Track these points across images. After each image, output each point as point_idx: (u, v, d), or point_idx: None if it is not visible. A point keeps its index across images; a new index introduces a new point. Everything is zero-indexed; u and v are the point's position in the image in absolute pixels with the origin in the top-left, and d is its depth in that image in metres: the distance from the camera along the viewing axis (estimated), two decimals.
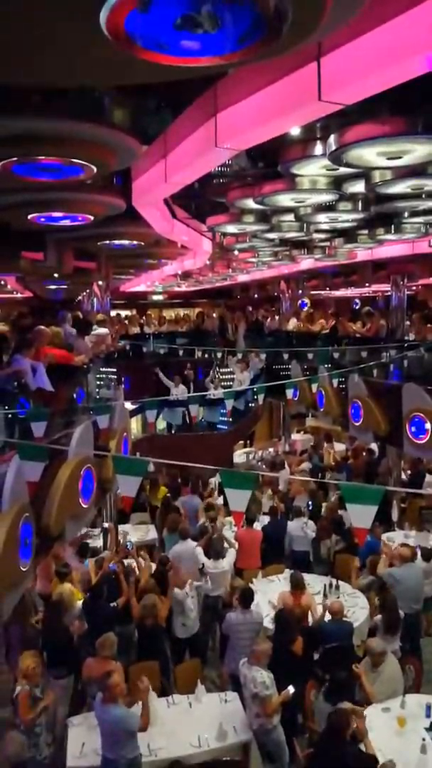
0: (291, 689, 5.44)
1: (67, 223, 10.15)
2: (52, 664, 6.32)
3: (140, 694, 5.11)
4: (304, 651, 6.17)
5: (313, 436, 17.11)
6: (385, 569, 7.26)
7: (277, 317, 18.89)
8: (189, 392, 13.53)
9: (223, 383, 14.93)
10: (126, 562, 7.64)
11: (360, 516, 4.11)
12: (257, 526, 9.27)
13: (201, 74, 4.71)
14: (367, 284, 22.08)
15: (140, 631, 6.58)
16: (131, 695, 5.21)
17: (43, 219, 9.79)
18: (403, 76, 4.19)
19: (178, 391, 13.89)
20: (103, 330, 10.97)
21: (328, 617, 6.57)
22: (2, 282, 18.89)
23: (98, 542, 9.37)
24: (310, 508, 10.32)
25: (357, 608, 7.41)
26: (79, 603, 6.92)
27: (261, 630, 6.55)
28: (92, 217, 9.82)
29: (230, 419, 13.89)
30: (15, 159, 6.63)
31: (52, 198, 8.87)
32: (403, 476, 12.19)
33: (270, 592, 7.69)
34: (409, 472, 12.40)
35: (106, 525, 9.31)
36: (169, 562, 7.61)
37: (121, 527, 9.99)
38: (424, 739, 5.05)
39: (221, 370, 15.80)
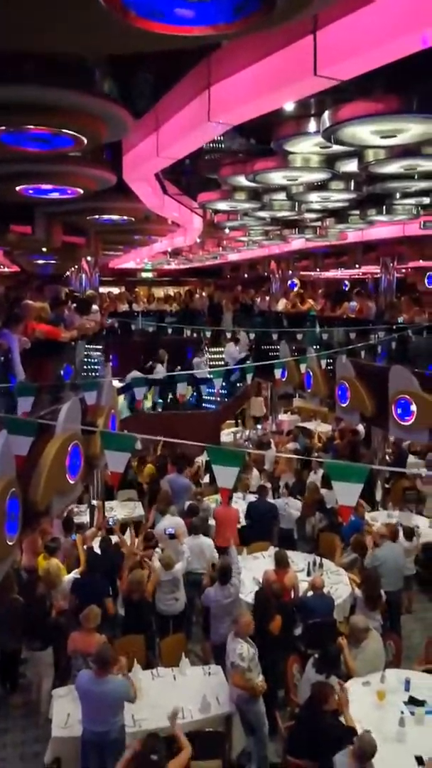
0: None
1: (56, 196, 9.99)
2: (28, 636, 6.40)
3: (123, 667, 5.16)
4: (285, 626, 6.27)
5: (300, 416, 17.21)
6: (370, 556, 7.39)
7: (267, 297, 18.84)
8: (166, 370, 13.49)
9: (212, 362, 14.91)
10: (113, 538, 7.70)
11: (345, 494, 4.15)
12: (242, 504, 9.33)
13: (195, 45, 4.64)
14: (357, 266, 22.08)
15: (127, 605, 6.63)
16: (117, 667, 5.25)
17: (31, 191, 9.61)
18: (399, 53, 4.15)
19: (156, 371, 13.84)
20: (93, 307, 10.91)
21: (310, 593, 6.69)
22: None
23: (84, 518, 9.39)
24: (290, 486, 10.37)
25: (340, 585, 7.51)
26: (66, 578, 6.95)
27: (239, 603, 6.64)
28: (82, 191, 9.66)
29: (217, 399, 13.90)
30: (3, 128, 6.50)
31: (41, 170, 8.71)
32: (387, 458, 12.31)
33: (255, 569, 7.78)
34: (391, 452, 12.51)
35: (94, 502, 9.32)
36: (153, 539, 7.72)
37: (107, 503, 10.02)
38: (402, 712, 5.18)
39: (211, 349, 15.76)
